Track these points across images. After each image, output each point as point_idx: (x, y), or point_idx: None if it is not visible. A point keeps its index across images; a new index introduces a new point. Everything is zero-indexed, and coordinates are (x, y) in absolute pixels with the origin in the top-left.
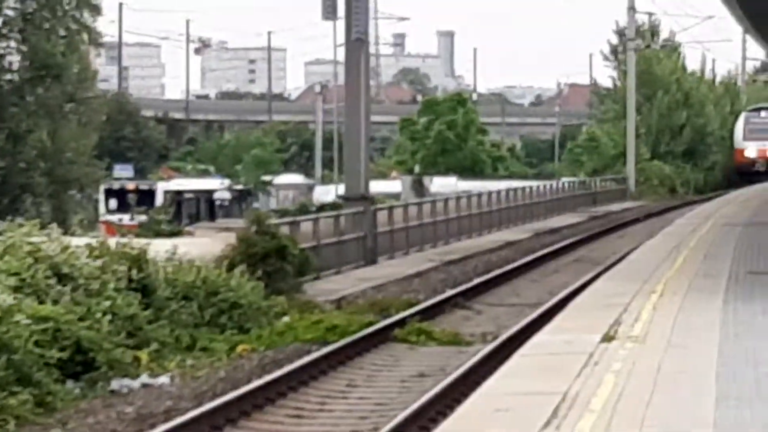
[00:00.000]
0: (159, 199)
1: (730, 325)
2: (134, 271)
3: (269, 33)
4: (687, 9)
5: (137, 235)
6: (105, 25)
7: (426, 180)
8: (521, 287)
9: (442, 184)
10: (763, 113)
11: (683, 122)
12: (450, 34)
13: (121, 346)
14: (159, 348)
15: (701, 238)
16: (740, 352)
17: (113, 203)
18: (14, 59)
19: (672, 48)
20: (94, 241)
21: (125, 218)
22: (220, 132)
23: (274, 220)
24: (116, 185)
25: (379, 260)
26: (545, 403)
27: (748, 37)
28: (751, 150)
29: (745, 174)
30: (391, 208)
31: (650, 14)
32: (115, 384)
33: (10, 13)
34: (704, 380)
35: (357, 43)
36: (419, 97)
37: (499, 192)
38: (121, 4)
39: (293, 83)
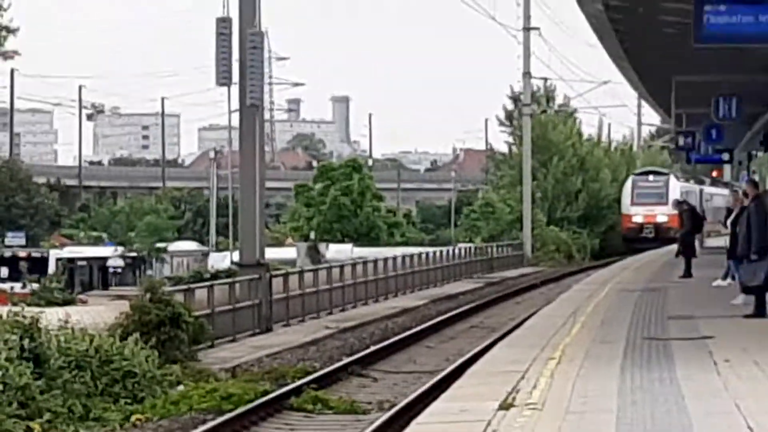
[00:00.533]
0: (51, 267)
1: (628, 392)
2: (26, 341)
3: (163, 99)
4: (582, 74)
5: (29, 304)
6: None
7: (322, 246)
8: (418, 354)
9: (337, 251)
10: (651, 177)
11: (579, 188)
12: (345, 100)
13: (13, 416)
14: (52, 418)
15: (598, 304)
16: (638, 420)
17: (5, 271)
18: None
19: (567, 113)
20: None
21: (17, 286)
22: (113, 199)
23: (168, 288)
24: (8, 253)
25: (275, 328)
26: None
27: (644, 103)
28: (639, 216)
29: (632, 241)
30: (286, 275)
31: (545, 79)
32: None
33: None
34: None
35: (251, 109)
36: (314, 163)
37: (395, 258)
38: (12, 70)
39: (187, 149)
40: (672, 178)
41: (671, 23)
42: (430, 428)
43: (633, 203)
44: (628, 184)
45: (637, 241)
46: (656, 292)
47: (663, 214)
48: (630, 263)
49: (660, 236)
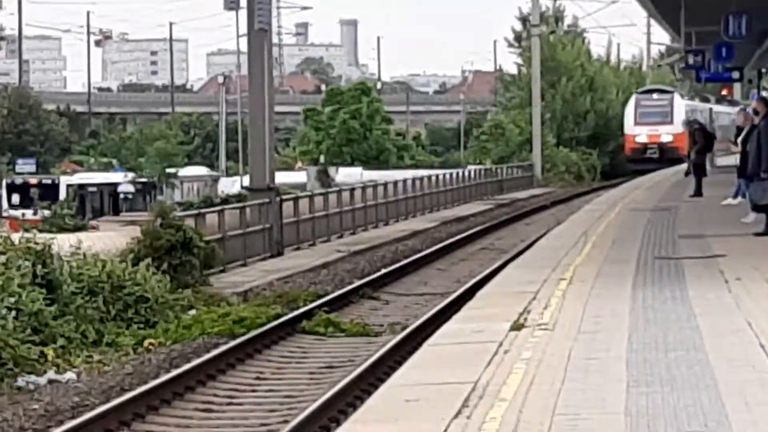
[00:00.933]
0: (62, 194)
1: (640, 311)
2: (39, 267)
3: (171, 24)
4: None
5: (41, 230)
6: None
7: (331, 170)
8: (429, 276)
9: (347, 174)
10: (655, 95)
11: (587, 108)
12: (353, 23)
13: (27, 342)
14: (65, 344)
15: (609, 224)
16: (650, 338)
17: (16, 198)
18: None
19: (576, 33)
20: None
21: (28, 213)
22: (122, 125)
23: (179, 213)
24: (18, 180)
25: (286, 251)
26: (455, 392)
27: (653, 22)
28: (643, 135)
29: (636, 161)
30: (296, 199)
31: (554, 0)
32: (21, 381)
33: None
34: (615, 367)
35: (259, 33)
36: (323, 87)
37: (405, 181)
38: None
39: (196, 74)
40: (677, 96)
41: None
42: (442, 350)
43: (636, 123)
44: (631, 102)
45: (640, 162)
46: (667, 211)
47: (668, 133)
48: (640, 183)
49: (665, 157)
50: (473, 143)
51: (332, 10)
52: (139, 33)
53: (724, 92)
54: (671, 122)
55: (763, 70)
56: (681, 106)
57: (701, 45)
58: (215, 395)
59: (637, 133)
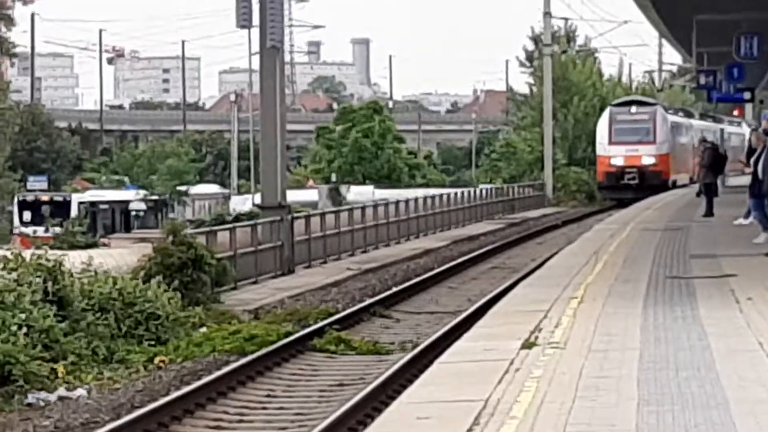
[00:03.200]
0: (74, 211)
1: (651, 330)
2: (50, 283)
3: (183, 42)
4: (603, 14)
5: (52, 247)
6: (17, 35)
7: (343, 188)
8: (440, 295)
9: (358, 192)
10: (633, 108)
11: None
12: (365, 42)
13: (38, 358)
14: (76, 360)
15: (620, 243)
16: (661, 357)
17: (27, 215)
18: None
19: (588, 53)
20: (8, 254)
21: (39, 230)
22: (134, 142)
23: (190, 230)
24: (30, 197)
25: (297, 269)
26: (466, 410)
27: (665, 42)
28: (619, 157)
29: (611, 189)
30: (308, 217)
31: (566, 20)
32: (31, 397)
33: None
34: (625, 385)
35: (272, 51)
36: (335, 105)
37: (416, 200)
38: (33, 14)
39: (208, 92)
40: (660, 110)
41: None
42: (453, 368)
43: (611, 142)
44: (605, 117)
45: (616, 189)
46: (678, 231)
47: (649, 155)
48: (651, 203)
49: (646, 183)
50: (484, 162)
51: (344, 29)
52: (151, 51)
53: (735, 112)
54: (653, 141)
55: None
56: (665, 122)
57: (713, 65)
58: (226, 413)
59: (612, 154)
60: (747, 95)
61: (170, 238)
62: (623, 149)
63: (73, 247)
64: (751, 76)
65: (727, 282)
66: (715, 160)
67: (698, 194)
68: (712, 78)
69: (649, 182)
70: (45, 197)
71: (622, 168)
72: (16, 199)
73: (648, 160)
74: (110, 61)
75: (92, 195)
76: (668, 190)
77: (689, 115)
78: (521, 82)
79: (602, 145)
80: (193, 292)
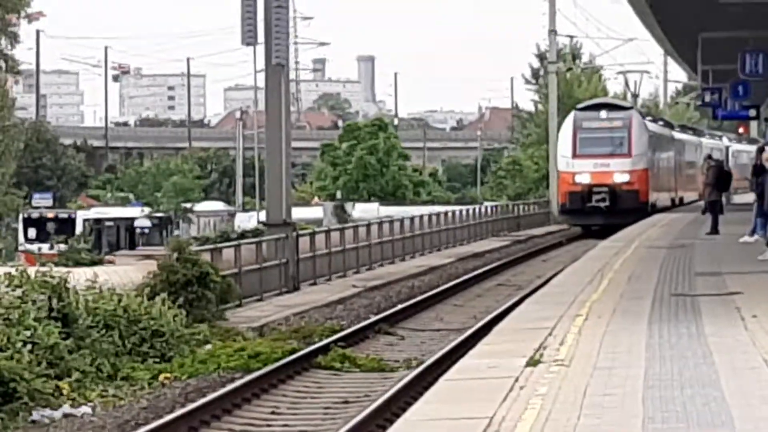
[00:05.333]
0: (79, 228)
1: (656, 347)
2: (54, 300)
3: (188, 59)
4: (608, 32)
5: (57, 264)
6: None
7: (348, 206)
8: (445, 312)
9: (364, 210)
10: (603, 113)
11: None
12: (370, 59)
13: (42, 376)
14: (80, 377)
15: (625, 261)
16: (666, 375)
17: (32, 232)
18: None
19: (593, 71)
20: (13, 270)
21: (44, 247)
22: (139, 159)
23: (195, 248)
24: (35, 214)
25: (302, 287)
26: (471, 428)
27: (670, 60)
28: (585, 174)
29: (575, 213)
30: (313, 234)
31: (571, 37)
32: (36, 415)
33: None
34: (630, 403)
35: (277, 68)
36: (340, 123)
37: (421, 217)
38: (38, 32)
39: (213, 109)
40: (636, 115)
41: None
42: (458, 385)
43: (576, 154)
44: (568, 124)
45: (581, 214)
46: (683, 248)
47: (623, 171)
48: (657, 220)
49: (619, 206)
50: (490, 180)
51: (349, 47)
52: (156, 68)
53: (741, 130)
54: (628, 153)
55: None
56: (643, 130)
57: (718, 83)
58: (230, 430)
59: (578, 170)
60: (752, 113)
61: (175, 255)
62: (591, 164)
63: (78, 264)
64: (756, 94)
65: (732, 299)
66: (719, 177)
67: (703, 212)
68: (717, 95)
69: (623, 205)
70: (50, 214)
71: (589, 187)
72: (21, 216)
73: (621, 177)
74: (116, 78)
75: (97, 212)
76: (646, 215)
77: (669, 126)
78: (526, 100)
79: (565, 159)
80: (198, 310)
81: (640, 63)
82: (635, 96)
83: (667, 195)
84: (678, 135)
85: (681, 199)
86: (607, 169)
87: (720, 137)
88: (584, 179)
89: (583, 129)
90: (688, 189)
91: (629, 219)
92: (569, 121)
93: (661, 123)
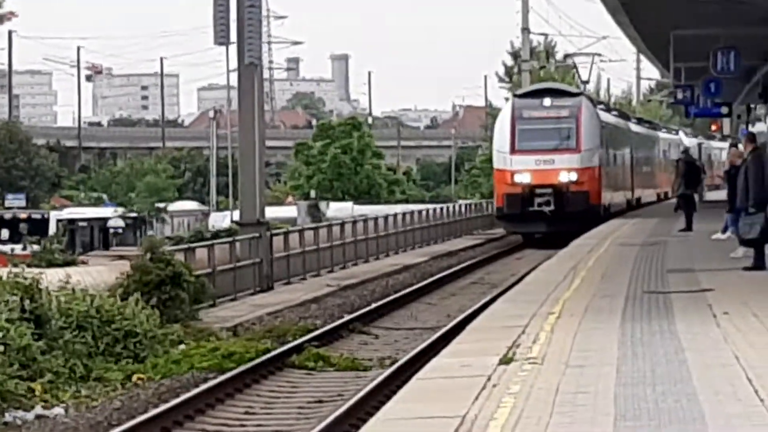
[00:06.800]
0: (52, 228)
1: (628, 345)
2: (27, 302)
3: (161, 59)
4: (581, 29)
5: (30, 265)
6: None
7: (322, 205)
8: (419, 311)
9: (338, 209)
10: (547, 100)
11: None
12: (344, 58)
13: (15, 377)
14: (53, 379)
15: (598, 259)
16: (638, 372)
17: (5, 233)
18: None
19: (567, 69)
20: None
21: (17, 248)
22: (113, 159)
23: (168, 248)
24: (8, 215)
25: (276, 286)
26: (444, 426)
27: (643, 57)
28: (525, 173)
29: (513, 219)
30: (287, 234)
31: (545, 35)
32: (8, 416)
33: None
34: (603, 400)
35: (250, 68)
36: (314, 122)
37: (395, 216)
38: (10, 32)
39: (186, 109)
40: (586, 102)
41: None
42: (431, 384)
43: (515, 150)
44: (505, 113)
45: (521, 219)
46: (656, 245)
47: (570, 169)
48: (630, 218)
49: (566, 210)
50: (464, 178)
51: (323, 45)
52: (129, 68)
53: (713, 127)
54: (577, 148)
55: (752, 106)
56: (594, 121)
57: (690, 80)
58: (204, 430)
59: (517, 168)
60: (725, 110)
61: (148, 255)
62: (532, 160)
63: (51, 264)
64: (728, 91)
65: (704, 297)
66: (689, 170)
67: (676, 209)
68: (689, 93)
69: (570, 209)
70: (23, 215)
71: (531, 188)
72: None
73: (569, 177)
74: (89, 78)
75: (70, 212)
76: (599, 221)
77: (624, 117)
78: (500, 98)
79: (502, 155)
80: (172, 310)
81: (613, 61)
82: (585, 82)
83: (623, 196)
84: (635, 127)
85: (638, 200)
86: (551, 166)
87: (676, 132)
88: (524, 179)
89: (523, 119)
90: (646, 188)
91: (578, 226)
92: (507, 110)
93: (615, 113)
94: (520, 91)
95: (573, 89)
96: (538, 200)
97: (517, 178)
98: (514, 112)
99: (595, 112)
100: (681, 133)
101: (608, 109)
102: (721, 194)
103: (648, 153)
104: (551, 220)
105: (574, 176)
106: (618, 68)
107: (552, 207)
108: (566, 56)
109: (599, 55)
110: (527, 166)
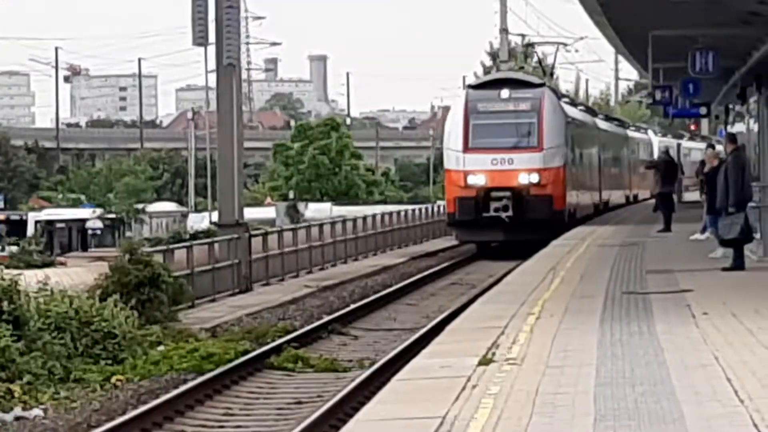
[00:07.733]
0: (30, 230)
1: (608, 345)
2: (5, 303)
3: (140, 60)
4: (560, 30)
5: (8, 266)
6: None
7: (301, 206)
8: (398, 312)
9: (316, 210)
10: (505, 92)
11: None
12: (323, 59)
13: None
14: (32, 380)
15: (578, 259)
16: (617, 373)
17: None
18: None
19: (545, 69)
20: None
21: None
22: (91, 160)
23: (147, 249)
24: None
25: (255, 287)
26: (424, 427)
27: (621, 58)
28: (479, 174)
29: (468, 227)
30: (265, 235)
31: (523, 36)
32: None
33: None
34: (582, 401)
35: (228, 69)
36: (292, 123)
37: (374, 217)
38: None
39: (165, 110)
40: (549, 94)
41: None
42: (411, 384)
43: (468, 148)
44: (458, 107)
45: (476, 227)
46: (635, 246)
47: (531, 169)
48: (608, 219)
49: (526, 216)
50: (442, 179)
51: (301, 46)
52: (107, 69)
53: (692, 127)
54: (538, 146)
55: (730, 106)
56: (558, 115)
57: (669, 81)
58: (183, 431)
59: (470, 168)
60: (703, 110)
61: (127, 256)
62: (488, 160)
63: (30, 266)
64: (707, 92)
65: (683, 297)
66: (666, 170)
67: (655, 210)
68: (668, 93)
69: (531, 214)
70: (1, 216)
71: (486, 191)
72: None
73: (529, 178)
74: (67, 79)
75: (49, 213)
76: (563, 228)
77: (591, 112)
78: None
79: (454, 154)
80: (150, 311)
81: (591, 61)
82: (551, 74)
83: (590, 199)
84: (603, 124)
85: (606, 204)
86: (509, 167)
87: (645, 130)
88: (479, 181)
89: (479, 113)
90: (615, 189)
91: (540, 234)
92: (459, 103)
93: (581, 108)
94: (474, 82)
95: (534, 79)
96: (494, 205)
97: (471, 180)
98: (467, 105)
99: (559, 106)
100: (650, 132)
101: (574, 103)
102: (694, 195)
103: (617, 152)
104: (509, 227)
105: (535, 178)
106: (596, 69)
107: (510, 213)
108: (527, 45)
109: (564, 44)
110: (482, 167)
